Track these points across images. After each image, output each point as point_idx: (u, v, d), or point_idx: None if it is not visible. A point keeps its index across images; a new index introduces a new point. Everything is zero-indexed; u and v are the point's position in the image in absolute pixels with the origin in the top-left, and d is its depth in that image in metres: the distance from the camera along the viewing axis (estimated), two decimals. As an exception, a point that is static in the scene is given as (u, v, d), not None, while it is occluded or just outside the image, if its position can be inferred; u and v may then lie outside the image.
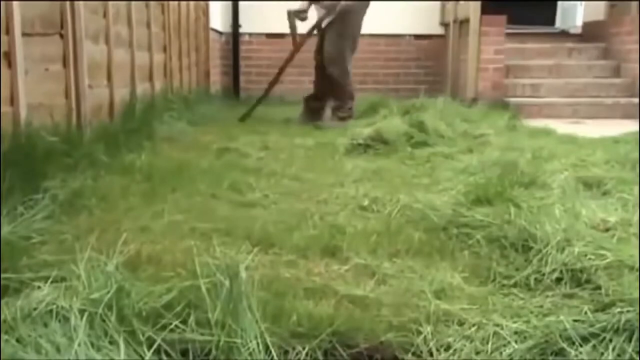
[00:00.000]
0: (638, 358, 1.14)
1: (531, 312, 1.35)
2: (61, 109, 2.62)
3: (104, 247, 1.50)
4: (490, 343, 1.22)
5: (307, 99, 5.35)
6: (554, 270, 1.54)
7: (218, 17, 7.07)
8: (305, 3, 5.15)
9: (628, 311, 1.21)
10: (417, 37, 7.58)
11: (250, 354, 1.12)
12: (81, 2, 2.71)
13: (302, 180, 2.80)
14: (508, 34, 6.65)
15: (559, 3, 8.90)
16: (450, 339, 1.25)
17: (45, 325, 1.13)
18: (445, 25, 7.51)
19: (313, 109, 5.26)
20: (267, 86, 5.37)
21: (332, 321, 1.26)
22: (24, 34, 2.21)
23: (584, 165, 2.97)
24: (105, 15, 3.18)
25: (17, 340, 1.07)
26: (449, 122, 4.14)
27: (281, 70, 5.34)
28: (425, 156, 3.34)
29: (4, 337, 1.08)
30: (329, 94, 5.22)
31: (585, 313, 1.28)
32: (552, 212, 1.94)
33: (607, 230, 1.90)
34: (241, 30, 7.50)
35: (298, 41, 5.19)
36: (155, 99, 4.13)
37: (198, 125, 4.37)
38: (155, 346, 1.12)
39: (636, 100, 6.24)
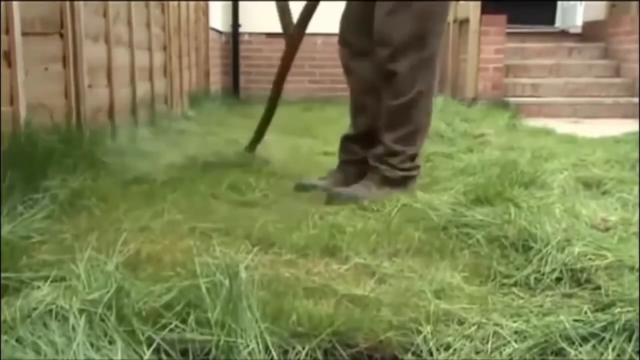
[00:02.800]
0: (638, 358, 1.14)
1: (531, 312, 1.35)
2: (61, 109, 2.62)
3: (104, 247, 1.51)
4: (490, 342, 1.22)
5: (345, 141, 2.71)
6: (554, 270, 1.54)
7: (218, 17, 7.08)
8: None
9: (628, 311, 1.21)
10: (417, 36, 7.56)
11: (250, 353, 1.12)
12: (81, 2, 2.71)
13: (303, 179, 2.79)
14: (508, 34, 6.66)
15: (559, 3, 8.91)
16: (450, 339, 1.25)
17: (45, 325, 1.13)
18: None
19: (353, 164, 2.63)
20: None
21: (332, 321, 1.26)
22: (24, 34, 2.21)
23: (584, 164, 2.97)
24: (105, 15, 3.17)
25: (17, 341, 1.07)
26: (449, 121, 4.14)
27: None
28: (425, 156, 3.34)
29: (4, 337, 1.08)
30: (381, 122, 2.50)
31: (585, 313, 1.28)
32: (552, 211, 1.94)
33: (607, 229, 1.90)
34: (241, 29, 7.50)
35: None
36: (156, 98, 4.13)
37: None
38: (154, 346, 1.12)
39: (636, 100, 6.25)
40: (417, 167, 2.53)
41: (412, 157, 2.49)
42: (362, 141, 2.62)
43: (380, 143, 2.48)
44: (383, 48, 2.38)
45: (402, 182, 2.44)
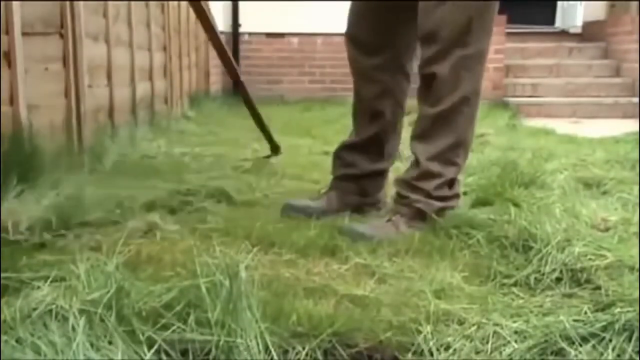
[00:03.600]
0: (638, 358, 1.14)
1: (531, 312, 1.35)
2: (61, 109, 2.62)
3: (104, 247, 1.51)
4: (490, 342, 1.22)
5: (343, 152, 2.24)
6: (554, 270, 1.54)
7: (218, 17, 7.08)
8: None
9: (628, 311, 1.21)
10: (417, 36, 7.56)
11: (250, 353, 1.12)
12: (81, 2, 2.71)
13: (303, 179, 2.80)
14: (508, 34, 6.66)
15: (559, 3, 8.90)
16: (450, 339, 1.25)
17: (45, 325, 1.13)
18: (445, 25, 7.51)
19: (353, 179, 2.19)
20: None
21: (332, 321, 1.26)
22: (24, 34, 2.21)
23: (584, 165, 2.97)
24: (105, 15, 3.18)
25: (17, 341, 1.07)
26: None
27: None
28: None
29: (4, 337, 1.08)
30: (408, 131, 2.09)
31: (585, 313, 1.28)
32: (552, 211, 1.94)
33: (607, 229, 1.90)
34: (241, 29, 7.51)
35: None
36: (155, 98, 4.14)
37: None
38: (155, 346, 1.12)
39: (636, 100, 6.25)
40: (456, 197, 2.01)
41: (450, 183, 1.99)
42: (368, 151, 2.18)
43: (415, 166, 1.99)
44: (429, 47, 1.91)
45: (438, 216, 1.94)
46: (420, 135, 1.99)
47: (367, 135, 2.17)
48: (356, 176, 2.19)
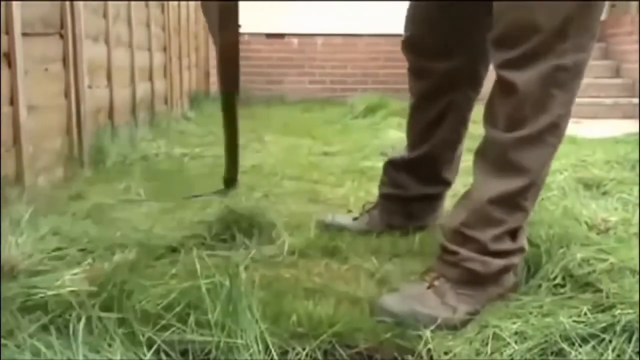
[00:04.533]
0: (638, 359, 1.14)
1: (530, 313, 1.34)
2: (61, 110, 2.62)
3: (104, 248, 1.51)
4: (490, 344, 1.22)
5: (391, 168, 1.98)
6: (553, 271, 1.53)
7: (218, 17, 7.08)
8: None
9: (628, 313, 1.21)
10: (417, 37, 7.57)
11: (250, 354, 1.12)
12: (81, 2, 2.71)
13: (302, 180, 2.80)
14: (508, 34, 6.65)
15: (559, 3, 8.89)
16: (450, 343, 1.25)
17: (44, 327, 1.13)
18: (445, 25, 7.51)
19: (400, 201, 1.95)
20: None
21: (332, 321, 1.26)
22: (24, 34, 2.21)
23: (584, 165, 2.97)
24: (105, 15, 3.18)
25: (16, 344, 1.07)
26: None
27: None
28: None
29: (3, 341, 1.08)
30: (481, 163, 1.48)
31: (585, 314, 1.28)
32: (552, 212, 1.94)
33: (607, 230, 1.90)
34: (241, 30, 7.51)
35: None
36: (155, 99, 4.14)
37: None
38: (155, 347, 1.12)
39: (636, 100, 6.25)
40: (520, 252, 1.49)
41: (513, 233, 1.46)
42: (418, 172, 1.90)
43: (466, 204, 1.48)
44: (503, 50, 1.41)
45: (496, 279, 1.43)
46: (486, 166, 1.46)
47: (419, 154, 1.88)
48: (403, 198, 1.93)
